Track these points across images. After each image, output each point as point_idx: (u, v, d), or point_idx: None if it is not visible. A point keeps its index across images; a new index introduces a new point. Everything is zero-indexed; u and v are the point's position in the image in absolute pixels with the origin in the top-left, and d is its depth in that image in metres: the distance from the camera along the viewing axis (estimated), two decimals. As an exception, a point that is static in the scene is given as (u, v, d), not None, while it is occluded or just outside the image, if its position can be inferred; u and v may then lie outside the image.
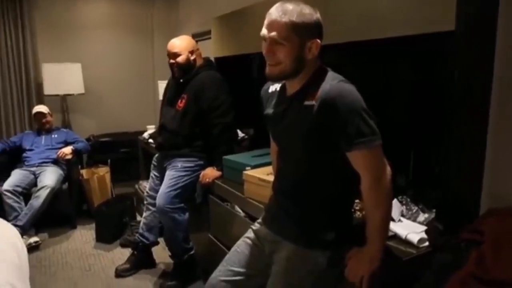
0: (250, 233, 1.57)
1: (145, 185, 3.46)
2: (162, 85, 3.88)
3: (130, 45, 4.99)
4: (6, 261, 1.77)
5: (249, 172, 2.03)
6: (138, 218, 3.60)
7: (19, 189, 3.33)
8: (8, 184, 3.31)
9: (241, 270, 1.51)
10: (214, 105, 2.48)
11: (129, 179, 4.29)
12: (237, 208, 2.16)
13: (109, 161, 4.20)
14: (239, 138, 2.82)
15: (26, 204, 3.30)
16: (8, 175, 3.44)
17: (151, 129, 3.94)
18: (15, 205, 3.26)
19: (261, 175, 1.94)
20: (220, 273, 1.55)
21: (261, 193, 1.91)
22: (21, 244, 2.08)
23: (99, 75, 4.78)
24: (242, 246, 1.56)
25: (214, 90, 2.49)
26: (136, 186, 3.86)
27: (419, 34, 1.41)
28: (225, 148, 2.45)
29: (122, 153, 4.52)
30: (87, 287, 2.70)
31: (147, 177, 3.46)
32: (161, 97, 3.50)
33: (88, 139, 4.28)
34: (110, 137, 4.64)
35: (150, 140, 3.64)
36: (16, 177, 3.42)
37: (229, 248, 2.08)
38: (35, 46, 4.46)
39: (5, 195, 3.25)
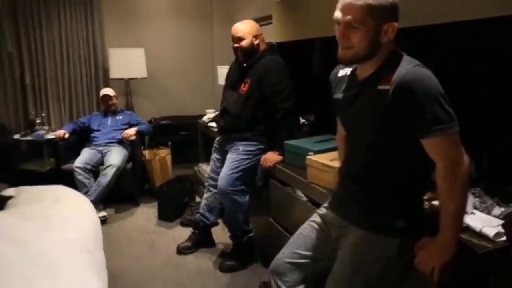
0: (316, 217, 1.58)
1: (204, 168, 3.56)
2: (221, 70, 3.93)
3: (190, 31, 5.08)
4: (84, 230, 1.93)
5: (312, 157, 2.02)
6: (197, 199, 3.71)
7: (89, 167, 3.56)
8: (78, 162, 3.55)
9: (307, 253, 1.52)
10: (277, 89, 2.48)
11: (188, 162, 4.42)
12: (299, 193, 2.17)
13: (169, 143, 4.35)
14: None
15: (95, 180, 3.52)
16: (79, 154, 3.68)
17: (210, 113, 4.02)
18: (86, 181, 3.49)
19: (324, 160, 1.94)
20: (285, 255, 1.57)
21: (324, 179, 1.90)
22: (95, 216, 2.26)
23: (160, 59, 4.92)
24: (307, 229, 1.56)
25: (277, 75, 2.50)
26: (195, 168, 3.97)
27: (504, 16, 1.33)
28: (286, 133, 2.46)
29: (182, 136, 4.64)
30: (150, 261, 2.83)
31: (206, 160, 3.55)
32: (220, 82, 3.56)
33: (149, 122, 4.44)
34: (170, 120, 4.78)
35: (210, 124, 3.71)
36: (86, 155, 3.65)
37: (289, 232, 2.10)
38: (102, 32, 4.66)
39: (76, 171, 3.49)
